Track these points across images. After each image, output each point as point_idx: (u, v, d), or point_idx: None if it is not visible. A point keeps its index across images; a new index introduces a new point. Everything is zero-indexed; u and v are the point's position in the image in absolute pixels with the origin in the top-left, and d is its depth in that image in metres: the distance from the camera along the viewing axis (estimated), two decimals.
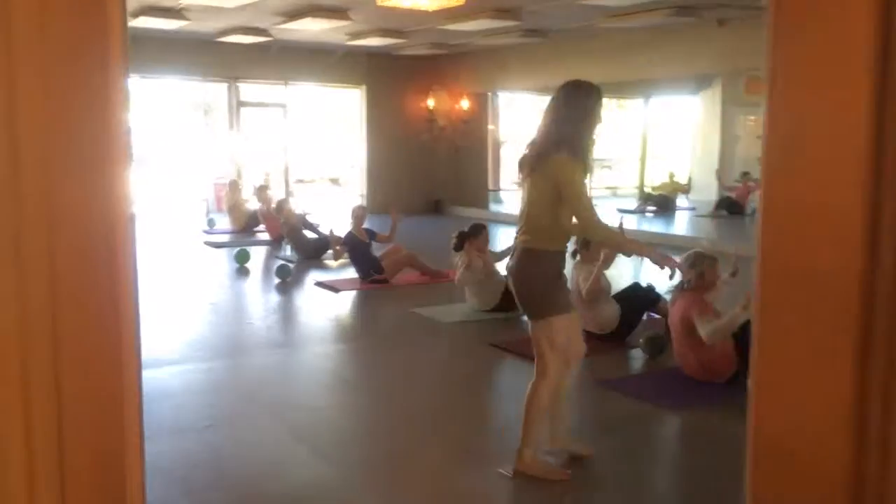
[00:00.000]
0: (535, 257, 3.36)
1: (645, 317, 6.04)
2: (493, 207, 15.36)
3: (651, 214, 14.24)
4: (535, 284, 3.38)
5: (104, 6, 1.02)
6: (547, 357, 3.43)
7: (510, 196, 17.38)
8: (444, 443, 4.05)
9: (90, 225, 1.03)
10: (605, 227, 3.38)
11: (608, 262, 5.63)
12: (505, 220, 11.77)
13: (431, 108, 15.02)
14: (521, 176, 3.49)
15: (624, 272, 7.81)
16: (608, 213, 14.28)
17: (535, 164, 3.35)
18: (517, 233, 3.45)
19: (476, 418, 4.54)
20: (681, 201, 15.01)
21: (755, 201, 14.04)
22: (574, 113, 3.32)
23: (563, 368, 3.50)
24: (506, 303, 6.70)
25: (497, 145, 17.32)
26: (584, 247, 5.94)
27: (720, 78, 15.58)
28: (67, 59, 1.00)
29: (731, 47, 10.52)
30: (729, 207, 13.55)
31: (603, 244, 3.49)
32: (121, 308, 1.06)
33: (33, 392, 1.03)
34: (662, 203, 14.54)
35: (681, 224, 13.57)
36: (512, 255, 3.50)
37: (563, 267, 3.45)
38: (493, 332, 6.14)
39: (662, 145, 18.14)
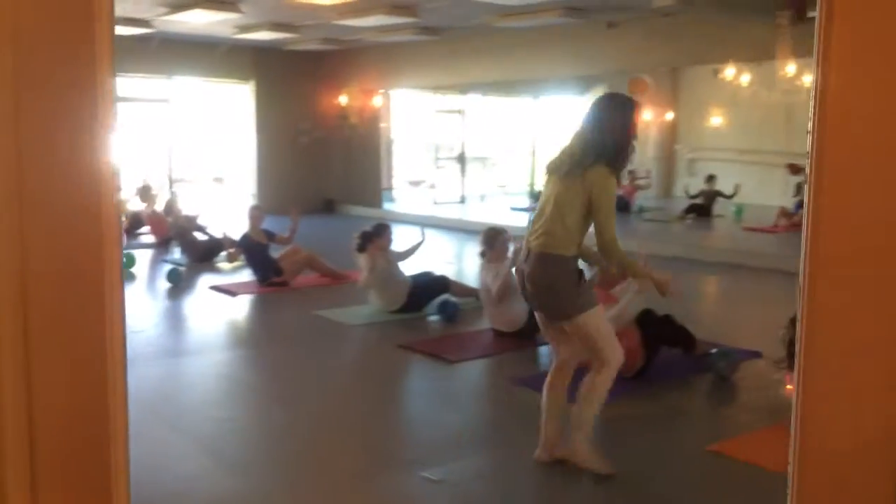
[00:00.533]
0: (555, 261, 3.35)
1: None
2: (387, 206, 15.24)
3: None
4: (562, 287, 3.36)
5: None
6: (601, 348, 3.44)
7: (403, 195, 17.31)
8: (361, 448, 3.93)
9: (75, 224, 0.92)
10: (621, 249, 3.39)
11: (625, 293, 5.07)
12: (399, 220, 11.66)
13: (344, 104, 14.78)
14: (548, 178, 3.46)
15: None
16: (500, 211, 14.47)
17: (572, 169, 3.32)
18: (532, 235, 3.42)
19: (391, 421, 4.43)
20: None
21: (640, 200, 14.56)
22: (615, 125, 3.33)
23: (620, 353, 3.49)
24: (411, 303, 6.62)
25: (390, 143, 17.21)
26: (490, 246, 5.94)
27: (607, 79, 16.05)
28: (49, 57, 0.89)
29: (620, 49, 10.82)
30: (617, 205, 13.97)
31: (618, 265, 3.50)
32: (106, 302, 0.94)
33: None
34: None
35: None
36: (527, 260, 3.44)
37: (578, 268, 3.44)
38: (401, 333, 6.04)
39: (551, 144, 18.51)
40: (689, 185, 13.63)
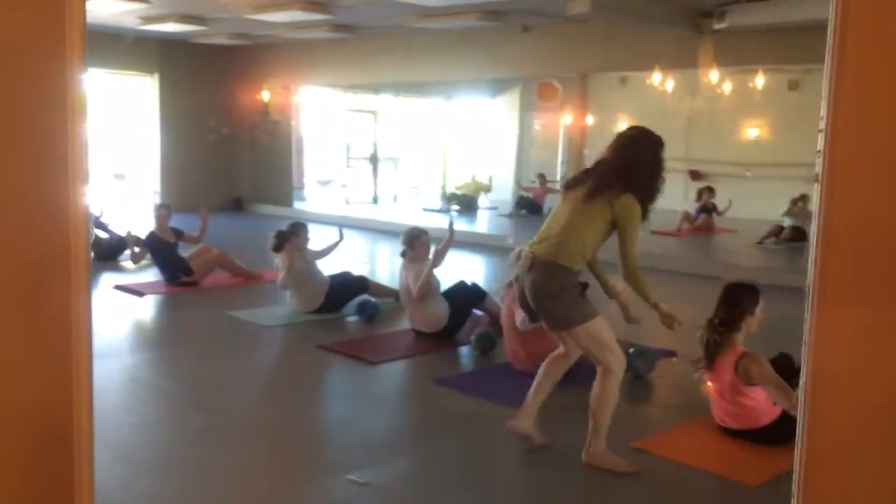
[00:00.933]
0: (563, 271, 3.44)
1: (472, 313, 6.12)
2: (297, 205, 14.99)
3: (455, 213, 14.56)
4: (564, 297, 3.46)
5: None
6: (604, 356, 3.53)
7: (314, 194, 17.06)
8: (283, 451, 3.83)
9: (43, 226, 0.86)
10: (642, 275, 3.54)
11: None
12: (309, 219, 11.46)
13: (266, 101, 14.41)
14: (566, 194, 3.58)
15: (449, 270, 7.88)
16: (413, 211, 14.45)
17: (600, 191, 3.42)
18: (540, 243, 3.51)
19: (313, 424, 4.35)
20: (483, 201, 15.49)
21: (551, 202, 14.83)
22: (647, 160, 3.47)
23: (622, 360, 3.57)
24: (329, 304, 6.52)
25: (300, 142, 16.93)
26: (410, 246, 5.91)
27: (519, 83, 16.27)
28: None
29: (534, 54, 10.99)
30: (528, 207, 14.17)
31: (637, 290, 3.61)
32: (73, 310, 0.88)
33: None
34: (466, 202, 14.92)
35: (483, 223, 14.00)
36: (531, 269, 3.52)
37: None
38: (319, 334, 5.93)
39: (463, 146, 18.62)
40: None
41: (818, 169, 1.04)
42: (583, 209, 3.45)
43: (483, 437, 4.14)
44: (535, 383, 3.84)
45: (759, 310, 4.03)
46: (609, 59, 10.40)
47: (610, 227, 3.47)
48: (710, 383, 4.00)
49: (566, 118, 16.60)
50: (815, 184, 1.04)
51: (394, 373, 5.26)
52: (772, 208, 11.75)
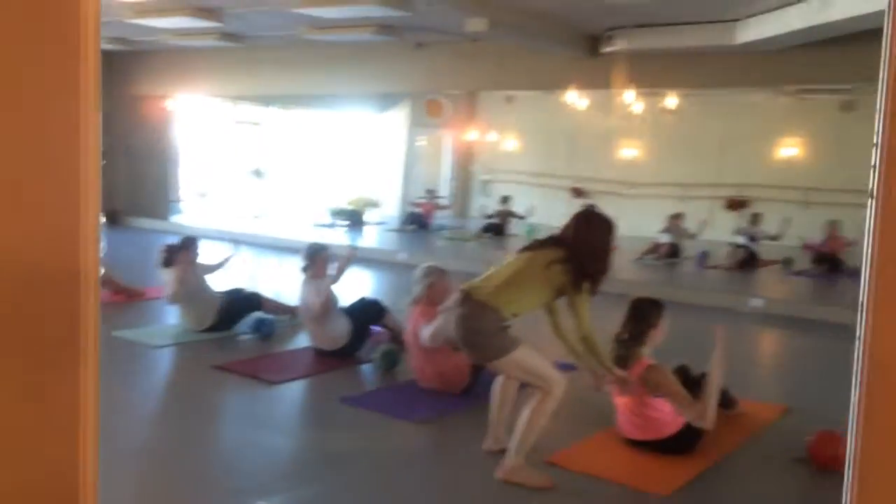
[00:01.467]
0: (489, 313, 3.59)
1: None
2: (174, 219, 14.40)
3: (343, 228, 14.40)
4: (486, 332, 3.60)
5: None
6: (536, 381, 3.66)
7: (192, 207, 16.43)
8: (183, 478, 3.62)
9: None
10: (596, 339, 3.77)
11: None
12: (188, 233, 11.03)
13: (145, 109, 13.76)
14: (525, 253, 3.78)
15: (349, 285, 7.76)
16: (301, 227, 14.16)
17: (551, 264, 3.62)
18: (478, 285, 3.68)
19: (214, 448, 4.13)
20: (371, 216, 15.38)
21: (440, 218, 14.90)
22: (598, 242, 3.70)
23: (560, 381, 3.67)
24: (222, 321, 6.26)
25: (178, 153, 16.27)
26: (311, 262, 5.76)
27: (408, 98, 16.30)
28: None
29: (427, 70, 11.03)
30: (417, 222, 14.18)
31: (591, 352, 3.83)
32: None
33: None
34: (354, 217, 14.77)
35: (372, 237, 13.89)
36: (463, 303, 3.67)
37: None
38: (213, 353, 5.68)
39: (351, 160, 18.45)
40: (486, 205, 14.14)
41: (871, 185, 1.05)
42: (533, 272, 3.66)
43: (395, 454, 4.06)
44: (493, 404, 4.03)
45: (662, 323, 4.15)
46: (501, 78, 10.58)
47: (555, 295, 3.70)
48: (624, 397, 4.07)
49: (453, 134, 16.77)
50: (870, 199, 1.05)
51: (296, 393, 5.09)
52: (649, 225, 12.24)
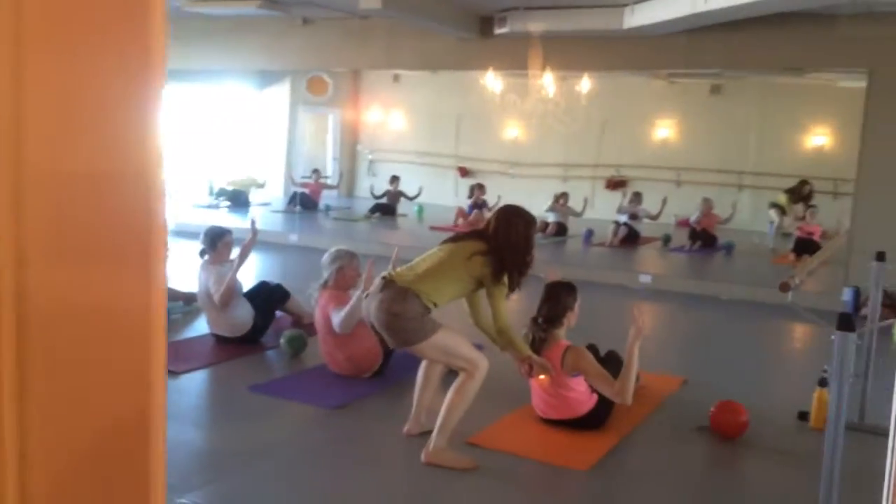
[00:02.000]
0: (410, 298, 3.62)
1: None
2: None
3: (225, 208, 13.95)
4: (406, 317, 3.60)
5: None
6: (457, 363, 3.73)
7: None
8: None
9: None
10: (512, 331, 3.86)
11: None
12: None
13: None
14: (448, 245, 3.83)
15: (249, 270, 7.55)
16: (181, 208, 13.60)
17: (474, 253, 3.69)
18: (401, 273, 3.71)
19: None
20: (255, 196, 14.96)
21: (329, 198, 14.68)
22: (519, 237, 3.75)
23: (481, 361, 3.73)
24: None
25: None
26: (212, 247, 5.55)
27: (289, 75, 15.91)
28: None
29: (313, 47, 10.79)
30: (303, 203, 13.92)
31: (510, 344, 3.92)
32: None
33: None
34: (236, 197, 14.33)
35: (258, 219, 13.53)
36: (384, 288, 3.67)
37: None
38: None
39: (232, 138, 17.85)
40: (374, 185, 14.05)
41: None
42: (458, 264, 3.72)
43: (313, 441, 4.00)
44: (417, 387, 4.06)
45: (577, 305, 4.27)
46: (392, 57, 10.50)
47: (475, 287, 3.79)
48: (541, 377, 4.16)
49: (338, 113, 16.52)
50: None
51: (201, 383, 4.91)
52: (536, 205, 12.53)
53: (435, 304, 3.71)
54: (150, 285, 0.96)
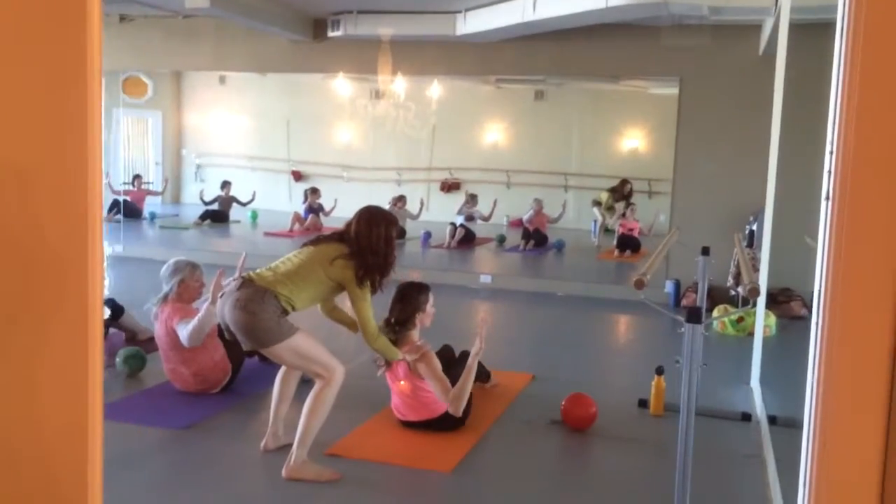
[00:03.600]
0: (268, 298, 3.55)
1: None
2: None
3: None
4: (262, 316, 3.52)
5: None
6: (312, 369, 3.65)
7: None
8: None
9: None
10: (381, 336, 3.88)
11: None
12: None
13: None
14: (309, 247, 3.78)
15: None
16: None
17: (336, 256, 3.66)
18: (260, 274, 3.64)
19: None
20: None
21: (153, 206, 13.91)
22: (380, 237, 3.73)
23: (338, 368, 3.66)
24: None
25: None
26: None
27: (104, 76, 14.90)
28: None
29: (130, 46, 10.19)
30: (125, 212, 13.12)
31: (383, 351, 3.95)
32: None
33: None
34: None
35: None
36: (241, 287, 3.59)
37: None
38: None
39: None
40: (204, 190, 13.48)
41: (826, 188, 1.18)
42: (318, 267, 3.68)
43: (164, 465, 3.78)
44: (274, 399, 3.95)
45: (429, 305, 4.31)
46: (220, 59, 10.12)
47: (336, 289, 3.77)
48: (402, 381, 4.16)
49: (159, 116, 15.70)
50: (825, 201, 1.17)
51: None
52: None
53: (293, 307, 3.65)
54: None
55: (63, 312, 0.97)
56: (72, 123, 0.93)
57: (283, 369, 3.96)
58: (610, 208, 12.66)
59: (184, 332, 4.51)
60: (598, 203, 12.66)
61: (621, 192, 12.57)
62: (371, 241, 3.73)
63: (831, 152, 1.22)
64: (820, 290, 1.25)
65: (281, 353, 3.61)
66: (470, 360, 4.11)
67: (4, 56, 0.95)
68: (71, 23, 0.90)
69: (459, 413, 4.09)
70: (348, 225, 3.82)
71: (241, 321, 3.54)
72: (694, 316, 2.63)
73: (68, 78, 0.93)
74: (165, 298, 4.75)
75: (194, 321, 4.50)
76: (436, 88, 13.50)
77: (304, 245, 3.85)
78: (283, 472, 3.57)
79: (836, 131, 1.20)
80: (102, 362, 0.98)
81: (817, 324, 1.26)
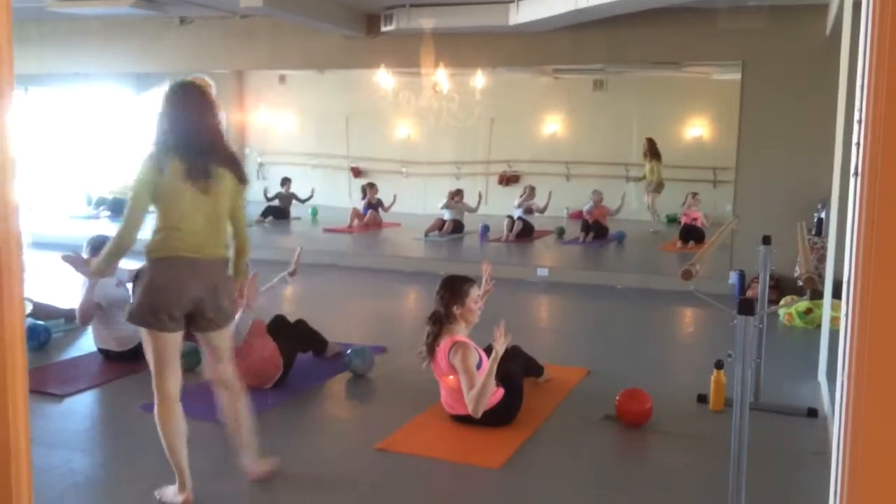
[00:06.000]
0: (226, 265, 3.28)
1: None
2: None
3: (106, 218, 13.30)
4: (225, 290, 3.28)
5: None
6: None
7: None
8: None
9: None
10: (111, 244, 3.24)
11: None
12: None
13: None
14: (205, 183, 3.13)
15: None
16: (54, 218, 12.85)
17: (231, 170, 3.23)
18: (197, 240, 3.13)
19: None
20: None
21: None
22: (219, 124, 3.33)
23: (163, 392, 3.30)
24: None
25: None
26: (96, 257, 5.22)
27: (167, 78, 15.27)
28: None
29: (192, 48, 10.39)
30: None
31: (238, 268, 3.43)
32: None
33: None
34: (117, 206, 13.63)
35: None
36: (198, 264, 3.14)
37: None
38: None
39: (109, 144, 17.00)
40: (268, 188, 13.68)
41: (855, 162, 1.08)
42: (213, 200, 3.19)
43: (221, 460, 3.81)
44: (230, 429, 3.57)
45: (470, 300, 4.22)
46: (276, 57, 10.22)
47: (228, 209, 3.30)
48: (450, 377, 4.11)
49: (223, 116, 15.98)
50: (853, 177, 1.08)
51: (89, 404, 4.61)
52: (431, 203, 12.52)
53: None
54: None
55: None
56: None
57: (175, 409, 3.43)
58: (649, 181, 12.87)
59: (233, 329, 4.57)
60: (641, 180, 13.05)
61: (648, 151, 12.82)
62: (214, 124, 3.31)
63: (859, 121, 1.11)
64: (850, 274, 1.15)
65: (227, 335, 3.46)
66: (489, 363, 4.00)
67: None
68: None
69: (478, 415, 4.00)
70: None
71: (212, 302, 3.24)
72: (746, 307, 2.50)
73: None
74: None
75: (236, 319, 4.55)
76: (492, 81, 13.40)
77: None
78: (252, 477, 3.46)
79: (865, 98, 1.09)
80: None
81: (847, 305, 1.16)
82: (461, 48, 9.11)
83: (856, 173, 1.13)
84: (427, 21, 8.46)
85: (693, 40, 8.19)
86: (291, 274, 5.25)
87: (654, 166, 13.01)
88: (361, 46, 9.50)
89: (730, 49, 8.03)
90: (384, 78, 11.01)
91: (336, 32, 9.29)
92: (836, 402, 1.16)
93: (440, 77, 10.45)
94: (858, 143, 1.12)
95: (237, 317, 4.55)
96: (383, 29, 8.94)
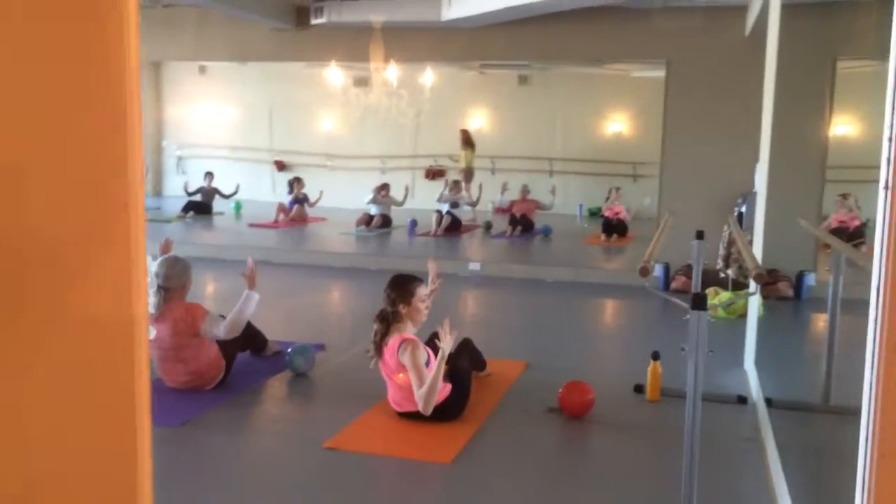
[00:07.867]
0: None
1: None
2: None
3: None
4: None
5: None
6: None
7: None
8: None
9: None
10: None
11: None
12: None
13: None
14: None
15: None
16: None
17: None
18: None
19: None
20: None
21: None
22: None
23: None
24: None
25: None
26: None
27: None
28: None
29: None
30: None
31: None
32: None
33: None
34: None
35: None
36: None
37: None
38: None
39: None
40: (188, 182, 13.32)
41: (885, 176, 1.13)
42: None
43: (164, 461, 3.71)
44: None
45: (416, 299, 4.24)
46: (201, 48, 9.99)
47: None
48: (400, 375, 4.12)
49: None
50: (883, 190, 1.13)
51: None
52: (357, 198, 12.45)
53: None
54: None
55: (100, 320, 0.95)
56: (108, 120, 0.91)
57: None
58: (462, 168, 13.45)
59: (220, 326, 4.46)
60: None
61: (462, 141, 13.51)
62: None
63: (890, 139, 1.18)
64: (878, 286, 1.22)
65: None
66: (437, 361, 4.04)
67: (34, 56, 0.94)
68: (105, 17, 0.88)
69: (428, 413, 4.04)
70: None
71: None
72: (699, 302, 2.61)
73: (104, 75, 0.89)
74: (170, 297, 4.62)
75: (234, 311, 4.48)
76: (419, 75, 13.41)
77: None
78: None
79: (894, 116, 1.16)
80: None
81: (875, 321, 1.23)
82: (392, 43, 9.10)
83: (886, 187, 1.20)
84: (358, 15, 8.42)
85: (622, 39, 8.42)
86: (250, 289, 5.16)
87: (467, 154, 13.59)
88: (290, 39, 9.38)
89: (656, 48, 8.29)
90: (309, 71, 10.90)
91: (264, 24, 9.13)
92: (864, 401, 1.23)
93: (366, 71, 10.41)
94: (889, 160, 1.19)
95: (244, 294, 4.49)
96: (313, 22, 8.85)
